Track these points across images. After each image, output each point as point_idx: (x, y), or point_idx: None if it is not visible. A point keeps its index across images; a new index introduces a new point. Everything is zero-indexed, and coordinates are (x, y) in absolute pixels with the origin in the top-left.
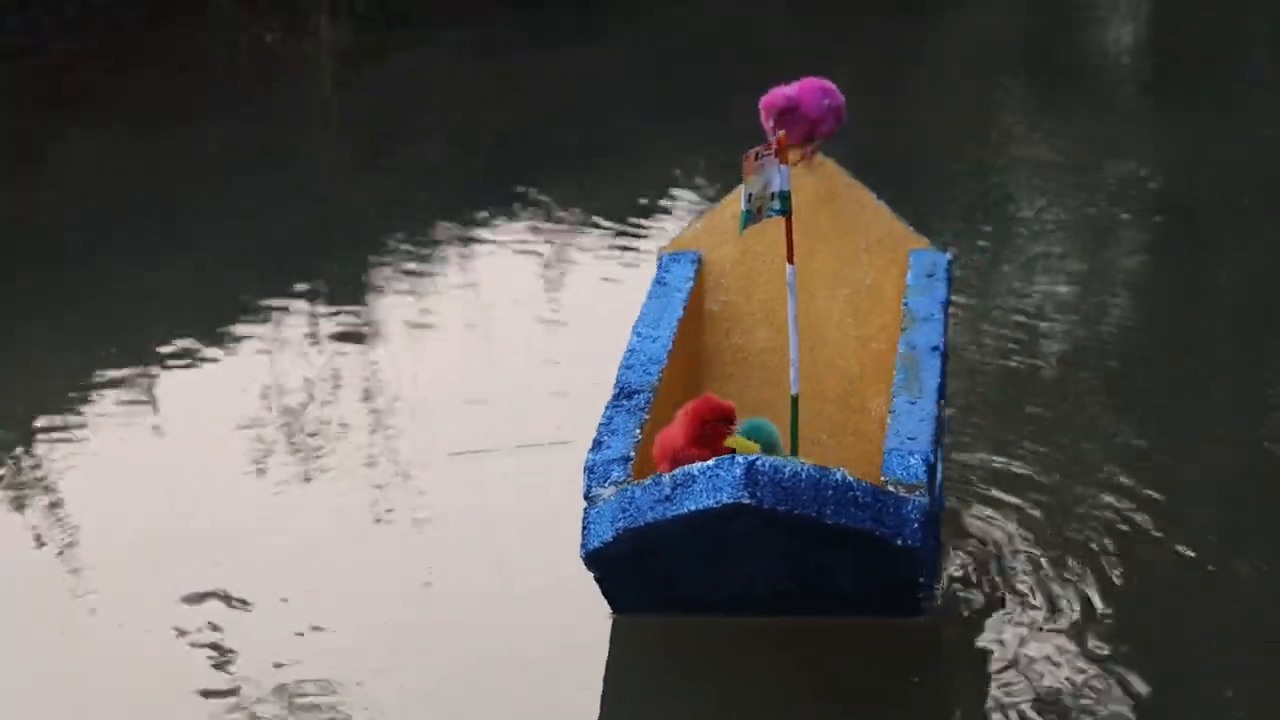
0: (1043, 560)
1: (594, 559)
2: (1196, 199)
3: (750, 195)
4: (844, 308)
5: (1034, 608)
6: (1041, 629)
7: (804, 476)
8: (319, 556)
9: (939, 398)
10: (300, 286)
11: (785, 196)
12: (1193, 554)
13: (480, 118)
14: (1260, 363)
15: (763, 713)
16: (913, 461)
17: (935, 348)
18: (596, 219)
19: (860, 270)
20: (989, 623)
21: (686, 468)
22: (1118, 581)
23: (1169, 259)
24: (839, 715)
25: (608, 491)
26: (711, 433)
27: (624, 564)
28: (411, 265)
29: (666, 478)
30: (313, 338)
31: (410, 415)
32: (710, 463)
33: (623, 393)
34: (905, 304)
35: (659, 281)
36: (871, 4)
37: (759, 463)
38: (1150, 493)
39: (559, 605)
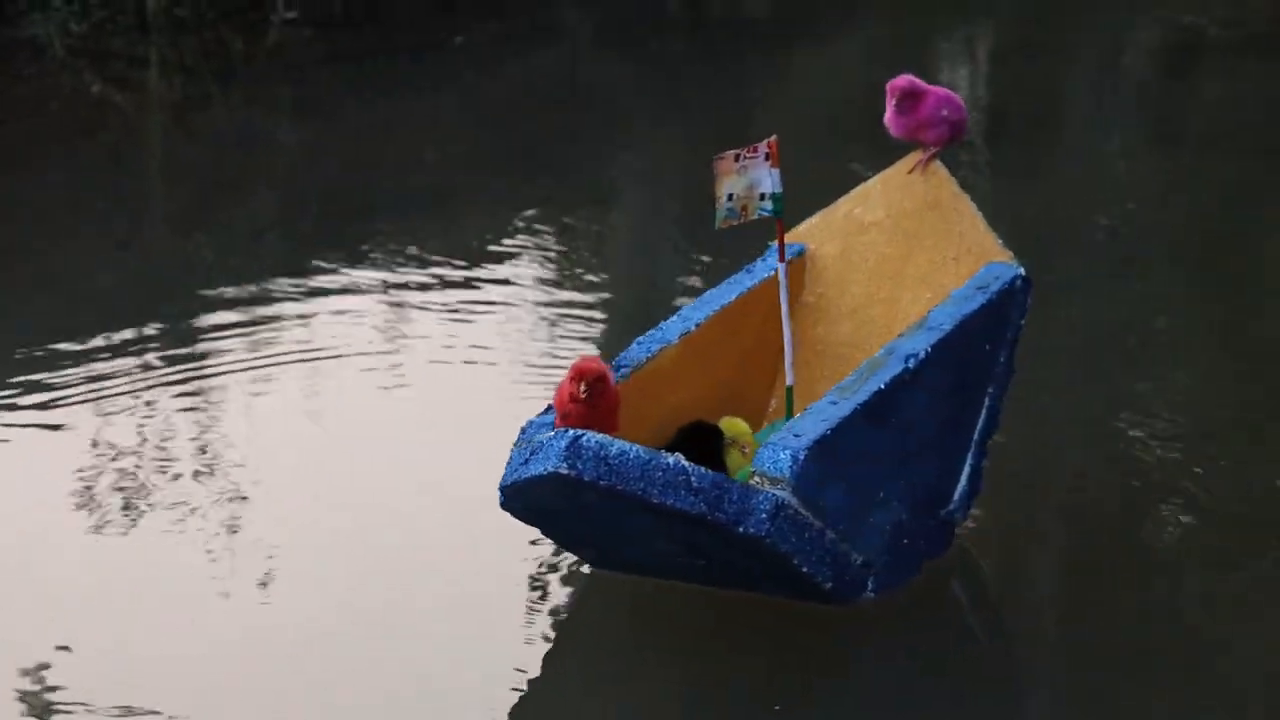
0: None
1: (505, 510)
2: (1026, 260)
3: (732, 194)
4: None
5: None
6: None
7: (632, 456)
8: (147, 608)
9: (866, 400)
10: (128, 344)
11: (777, 198)
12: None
13: (310, 172)
14: (1095, 407)
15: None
16: (781, 456)
17: (910, 356)
18: (431, 270)
19: (946, 277)
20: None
21: (540, 436)
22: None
23: None
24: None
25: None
26: (586, 393)
27: (529, 520)
28: (244, 319)
29: (532, 442)
30: (142, 394)
31: (246, 473)
32: (552, 433)
33: (613, 365)
34: (927, 313)
35: (747, 269)
36: (703, 57)
37: (585, 438)
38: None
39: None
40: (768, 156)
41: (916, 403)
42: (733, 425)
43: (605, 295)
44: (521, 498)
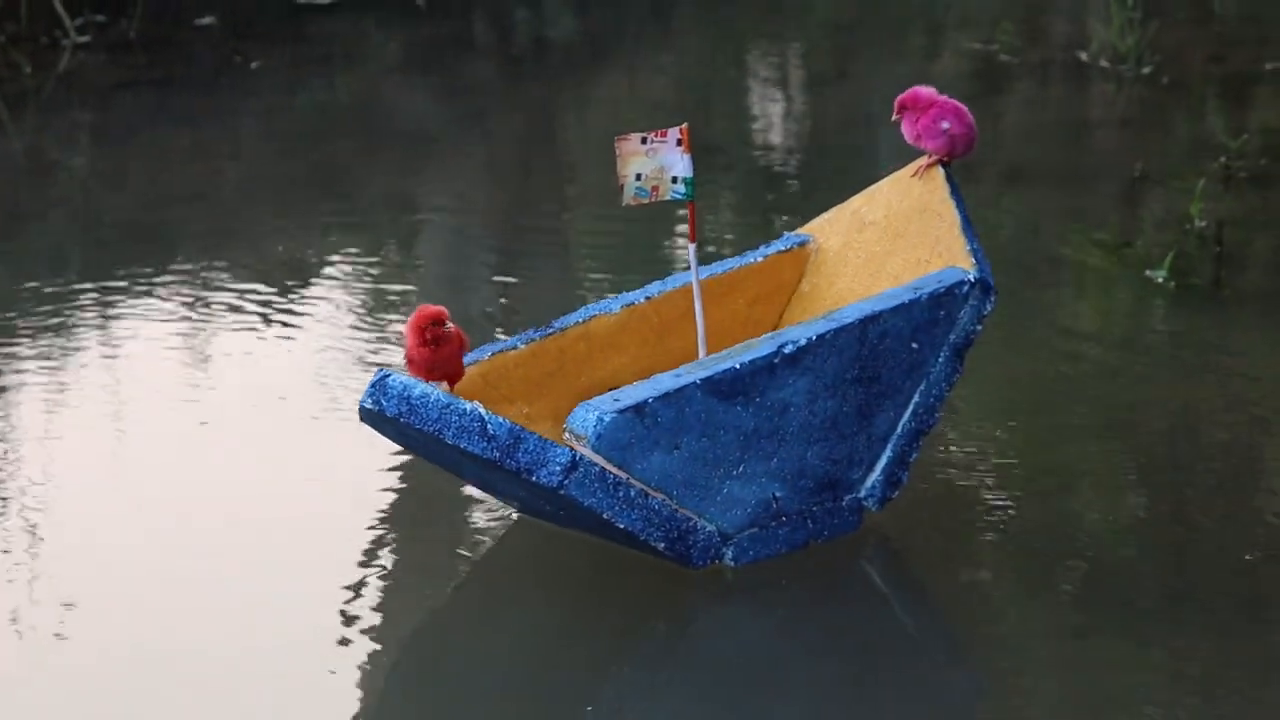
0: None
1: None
2: None
3: (640, 174)
4: None
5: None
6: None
7: (433, 399)
8: None
9: (711, 376)
10: None
11: (689, 182)
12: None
13: (107, 200)
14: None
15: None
16: (589, 416)
17: (789, 343)
18: (237, 295)
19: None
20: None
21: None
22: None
23: None
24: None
25: None
26: (431, 336)
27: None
28: (42, 350)
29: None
30: None
31: (47, 502)
32: (376, 372)
33: (545, 325)
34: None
35: (743, 254)
36: (509, 82)
37: (391, 378)
38: None
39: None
40: (679, 142)
41: (795, 387)
42: None
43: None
44: (382, 434)
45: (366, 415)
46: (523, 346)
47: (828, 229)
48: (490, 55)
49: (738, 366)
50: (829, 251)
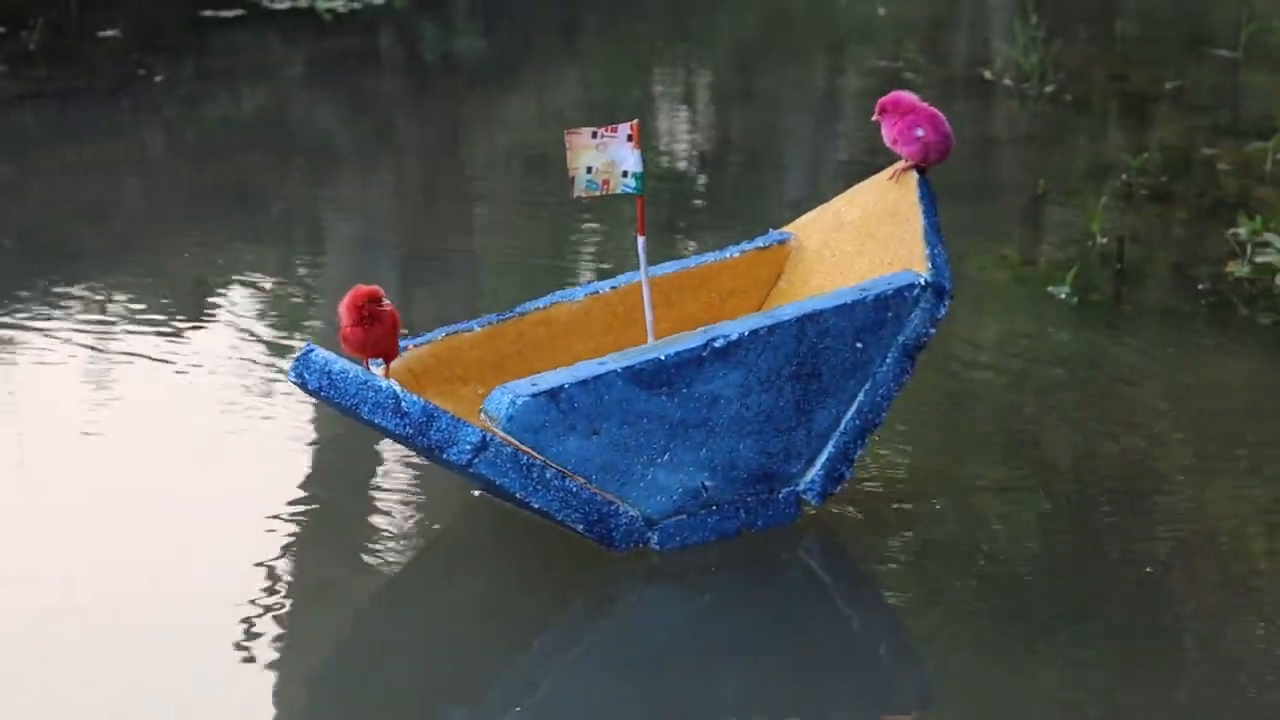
0: None
1: None
2: None
3: (591, 167)
4: None
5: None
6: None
7: (351, 375)
8: None
9: (633, 366)
10: None
11: (640, 176)
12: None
13: (6, 213)
14: None
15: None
16: (502, 399)
17: (720, 336)
18: (139, 312)
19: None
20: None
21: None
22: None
23: None
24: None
25: None
26: (370, 314)
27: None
28: None
29: None
30: None
31: None
32: (304, 346)
33: (508, 310)
34: (780, 305)
35: (722, 248)
36: (415, 97)
37: (314, 353)
38: None
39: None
40: (630, 137)
41: (726, 380)
42: None
43: (322, 336)
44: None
45: (301, 389)
46: (479, 329)
47: (809, 228)
48: (396, 70)
49: (662, 358)
50: (808, 250)
